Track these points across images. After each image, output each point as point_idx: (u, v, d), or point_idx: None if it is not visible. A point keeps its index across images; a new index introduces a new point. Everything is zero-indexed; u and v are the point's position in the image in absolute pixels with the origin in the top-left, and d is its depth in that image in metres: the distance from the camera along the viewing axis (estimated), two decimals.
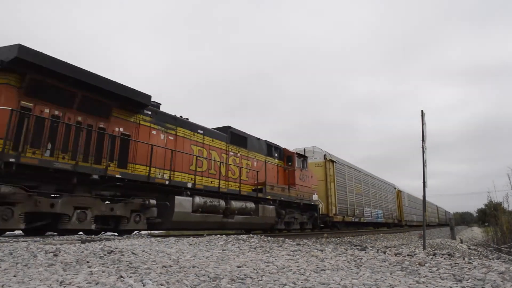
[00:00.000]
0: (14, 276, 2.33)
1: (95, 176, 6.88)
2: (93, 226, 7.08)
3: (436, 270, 3.06)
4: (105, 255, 3.31)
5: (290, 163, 14.30)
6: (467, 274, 2.82)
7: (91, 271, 2.50)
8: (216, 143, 10.95)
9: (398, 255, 4.11)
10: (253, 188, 11.80)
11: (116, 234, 7.89)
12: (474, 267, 3.15)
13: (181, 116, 10.00)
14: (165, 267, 2.87)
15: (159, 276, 2.50)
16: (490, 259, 4.28)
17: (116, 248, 3.71)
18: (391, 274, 2.91)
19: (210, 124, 12.25)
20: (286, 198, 12.93)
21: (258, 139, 13.13)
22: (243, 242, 5.10)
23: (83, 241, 4.78)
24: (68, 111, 7.02)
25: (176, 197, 8.63)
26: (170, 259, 3.26)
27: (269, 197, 11.94)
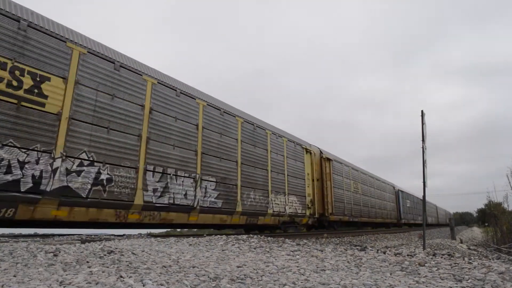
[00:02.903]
0: (14, 276, 2.33)
1: None
2: None
3: (436, 270, 3.06)
4: (105, 255, 3.31)
5: None
6: (467, 274, 2.82)
7: (91, 271, 2.50)
8: None
9: (398, 255, 4.11)
10: None
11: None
12: (474, 267, 3.15)
13: None
14: (165, 267, 2.86)
15: (159, 276, 2.50)
16: (490, 259, 4.28)
17: (116, 248, 3.71)
18: (391, 274, 2.91)
19: None
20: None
21: None
22: (243, 242, 5.10)
23: (83, 241, 4.78)
24: None
25: None
26: (170, 259, 3.26)
27: None
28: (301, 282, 2.49)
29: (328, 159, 15.66)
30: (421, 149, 7.96)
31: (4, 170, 4.83)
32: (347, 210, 16.77)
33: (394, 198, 27.28)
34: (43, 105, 5.42)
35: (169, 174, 7.25)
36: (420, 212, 35.90)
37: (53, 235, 7.10)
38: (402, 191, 29.66)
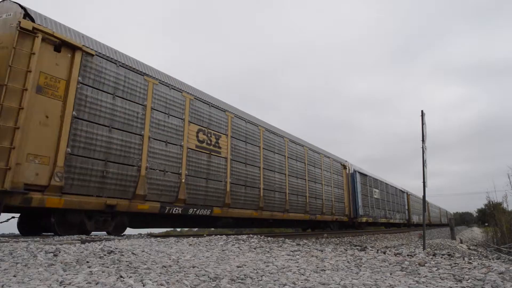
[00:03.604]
0: (14, 276, 2.33)
1: None
2: None
3: (436, 270, 3.06)
4: (105, 255, 3.31)
5: None
6: (467, 274, 2.82)
7: (91, 271, 2.50)
8: None
9: (398, 255, 4.11)
10: None
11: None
12: (474, 267, 3.15)
13: None
14: (165, 267, 2.87)
15: (159, 276, 2.50)
16: (490, 259, 4.29)
17: (116, 248, 3.71)
18: (391, 274, 2.91)
19: None
20: None
21: None
22: (243, 242, 5.10)
23: (83, 241, 4.78)
24: None
25: None
26: (170, 259, 3.26)
27: None
28: (301, 282, 2.49)
29: (56, 40, 6.01)
30: (421, 149, 7.96)
31: None
32: (162, 186, 7.55)
33: (343, 183, 17.28)
34: None
35: None
36: (399, 208, 26.09)
37: (53, 235, 7.10)
38: (362, 174, 19.39)
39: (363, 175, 19.57)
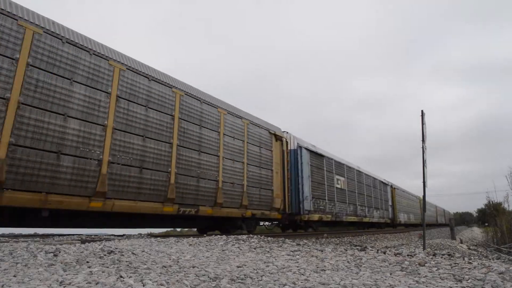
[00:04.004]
0: (14, 276, 2.33)
1: None
2: None
3: (436, 270, 3.06)
4: (105, 255, 3.31)
5: None
6: (467, 274, 2.82)
7: (91, 271, 2.50)
8: None
9: (398, 255, 4.11)
10: None
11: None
12: (474, 267, 3.15)
13: None
14: (165, 267, 2.87)
15: (159, 276, 2.50)
16: (490, 259, 4.29)
17: (116, 248, 3.71)
18: (391, 274, 2.91)
19: None
20: None
21: None
22: (243, 242, 5.10)
23: (83, 241, 4.79)
24: None
25: None
26: (170, 259, 3.26)
27: None
28: (301, 282, 2.49)
29: None
30: (421, 149, 7.97)
31: None
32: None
33: (273, 162, 10.76)
34: None
35: None
36: (380, 204, 20.49)
37: (53, 235, 7.10)
38: (314, 153, 13.19)
39: (316, 154, 13.26)
